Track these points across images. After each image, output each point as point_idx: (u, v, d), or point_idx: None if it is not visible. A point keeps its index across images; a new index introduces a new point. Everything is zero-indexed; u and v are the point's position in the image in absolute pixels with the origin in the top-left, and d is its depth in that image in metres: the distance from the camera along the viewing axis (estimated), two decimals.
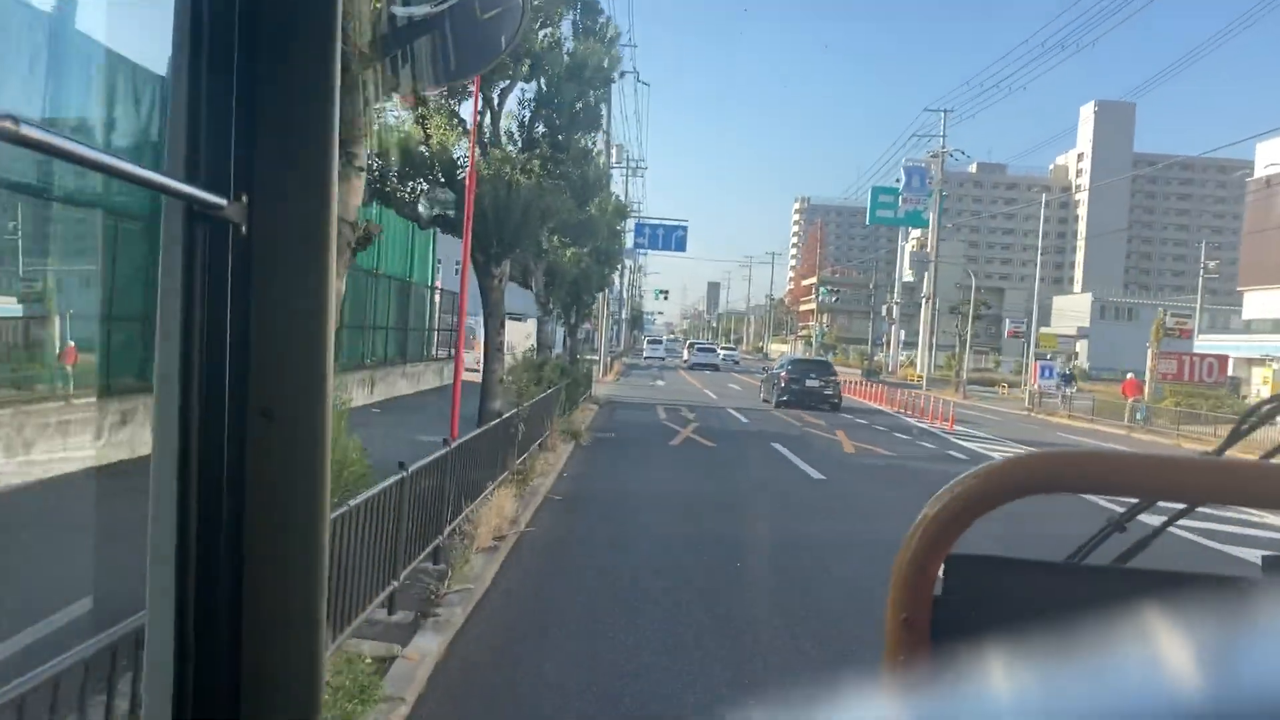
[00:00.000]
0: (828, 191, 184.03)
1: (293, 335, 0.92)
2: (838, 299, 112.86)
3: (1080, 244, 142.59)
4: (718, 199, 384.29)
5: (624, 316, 77.32)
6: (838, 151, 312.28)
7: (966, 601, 0.81)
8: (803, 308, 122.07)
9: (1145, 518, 1.08)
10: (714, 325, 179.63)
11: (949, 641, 0.80)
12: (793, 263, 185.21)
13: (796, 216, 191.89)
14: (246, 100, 0.90)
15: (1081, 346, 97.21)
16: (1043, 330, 56.08)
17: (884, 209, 72.81)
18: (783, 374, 29.18)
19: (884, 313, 68.77)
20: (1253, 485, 0.77)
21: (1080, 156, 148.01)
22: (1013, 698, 0.30)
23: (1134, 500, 1.03)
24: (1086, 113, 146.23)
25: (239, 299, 0.91)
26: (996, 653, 0.35)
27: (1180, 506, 1.08)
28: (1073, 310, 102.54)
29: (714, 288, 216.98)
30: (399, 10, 1.24)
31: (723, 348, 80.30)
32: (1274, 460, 0.89)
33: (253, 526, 0.92)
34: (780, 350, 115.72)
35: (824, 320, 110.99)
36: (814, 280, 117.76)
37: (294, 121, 0.92)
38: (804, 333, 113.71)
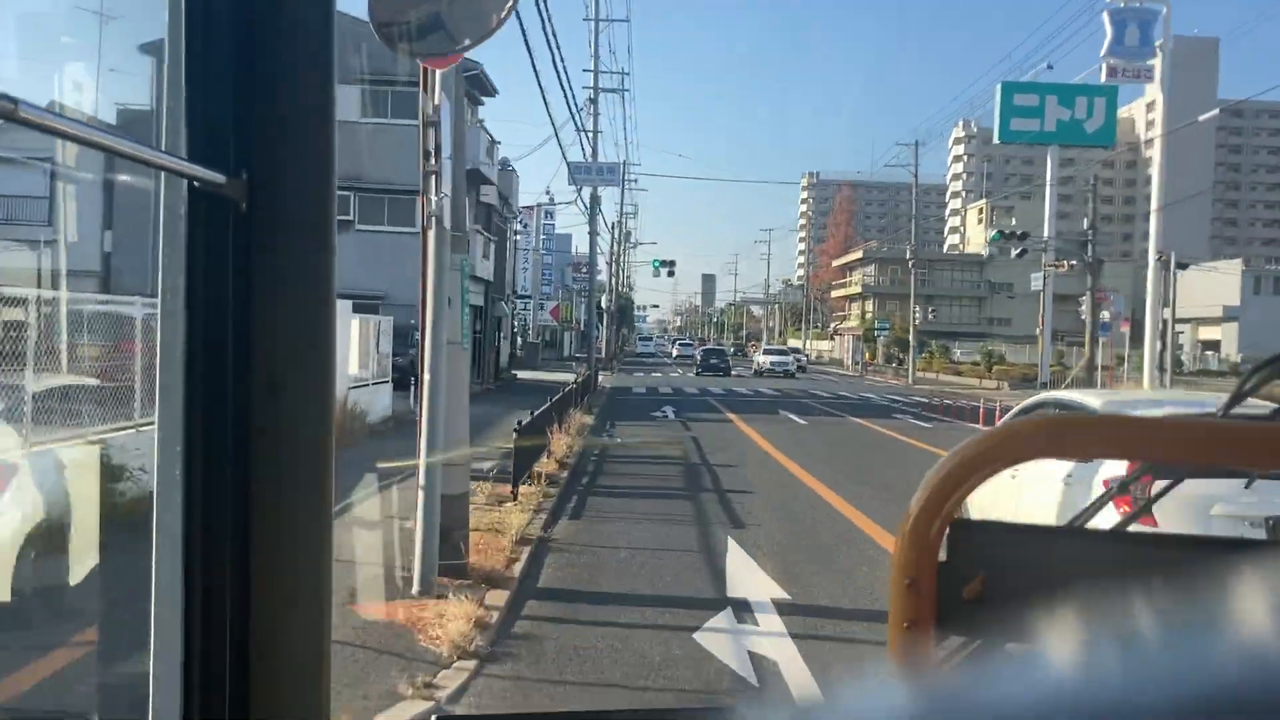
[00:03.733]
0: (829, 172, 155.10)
1: (295, 311, 0.91)
2: (892, 282, 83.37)
3: (1154, 205, 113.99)
4: (711, 186, 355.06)
5: (606, 306, 47.49)
6: (840, 134, 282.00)
7: (971, 566, 0.80)
8: (835, 293, 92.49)
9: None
10: (715, 320, 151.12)
11: (954, 607, 0.79)
12: (801, 246, 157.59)
13: (804, 194, 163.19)
14: (246, 77, 0.88)
15: (1226, 331, 68.53)
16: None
17: (1023, 117, 43.35)
18: (698, 357, 47.89)
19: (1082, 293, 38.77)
20: (1256, 447, 0.76)
21: (1150, 105, 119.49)
22: (1018, 661, 0.30)
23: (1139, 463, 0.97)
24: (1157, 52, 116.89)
25: (240, 275, 0.89)
26: (1001, 617, 0.33)
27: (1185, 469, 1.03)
28: (1207, 284, 71.15)
29: (709, 280, 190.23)
30: None
31: (781, 351, 52.04)
32: (1278, 422, 0.83)
33: (259, 502, 0.90)
34: (819, 348, 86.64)
35: (870, 306, 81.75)
36: (850, 259, 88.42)
37: (294, 98, 0.90)
38: (847, 323, 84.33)
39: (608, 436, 16.93)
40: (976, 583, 0.79)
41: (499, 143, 28.41)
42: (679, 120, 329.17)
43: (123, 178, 20.04)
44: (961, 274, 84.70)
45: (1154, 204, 42.68)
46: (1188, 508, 5.36)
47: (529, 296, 46.66)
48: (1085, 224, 31.12)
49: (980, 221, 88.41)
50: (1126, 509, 6.57)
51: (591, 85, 30.10)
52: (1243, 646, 0.27)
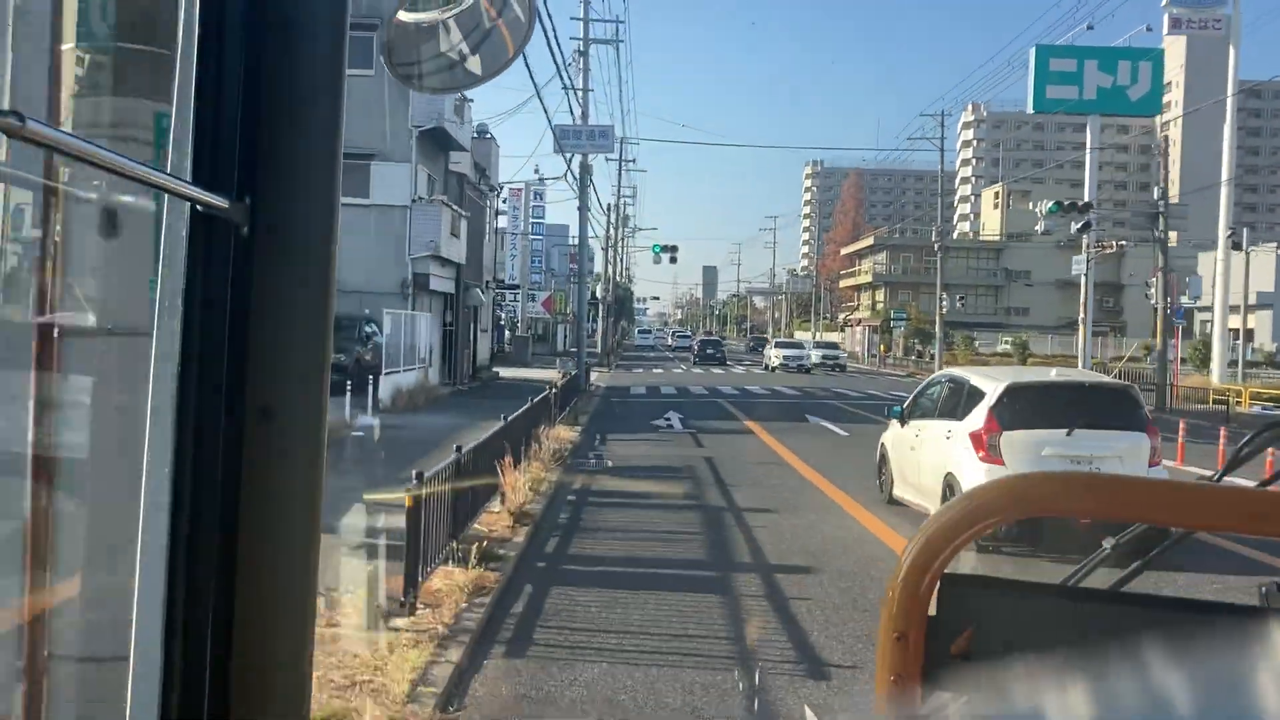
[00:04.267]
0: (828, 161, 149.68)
1: (292, 336, 0.90)
2: (904, 270, 79.43)
3: (1225, 174, 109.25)
4: (708, 176, 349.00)
5: (601, 296, 43.32)
6: (844, 122, 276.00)
7: (961, 621, 0.80)
8: (844, 283, 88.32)
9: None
10: (718, 312, 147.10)
11: (942, 662, 0.79)
12: (806, 236, 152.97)
13: (808, 183, 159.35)
14: (251, 101, 0.88)
15: (1262, 320, 64.42)
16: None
17: (1060, 84, 39.00)
18: (695, 346, 49.98)
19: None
20: (1249, 512, 0.76)
21: (1166, 86, 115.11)
22: (1005, 718, 0.27)
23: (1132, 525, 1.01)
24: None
25: (238, 301, 0.89)
26: (990, 673, 0.35)
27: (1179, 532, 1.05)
28: (1239, 271, 66.83)
29: (710, 271, 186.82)
30: (405, 15, 1.17)
31: (794, 344, 47.70)
32: (1271, 488, 0.84)
33: (247, 525, 0.89)
34: (829, 340, 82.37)
35: (881, 296, 77.51)
36: (860, 246, 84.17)
37: (299, 123, 0.90)
38: (858, 314, 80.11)
39: (595, 461, 12.60)
40: (964, 638, 0.79)
41: (471, 100, 24.09)
42: (677, 109, 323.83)
43: None
44: (977, 261, 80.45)
45: (1224, 172, 38.45)
46: (1025, 449, 7.57)
47: (517, 286, 42.28)
48: (1155, 194, 26.65)
49: (996, 206, 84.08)
50: (983, 454, 7.34)
51: (580, 36, 25.67)
52: (1230, 708, 0.26)
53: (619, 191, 48.00)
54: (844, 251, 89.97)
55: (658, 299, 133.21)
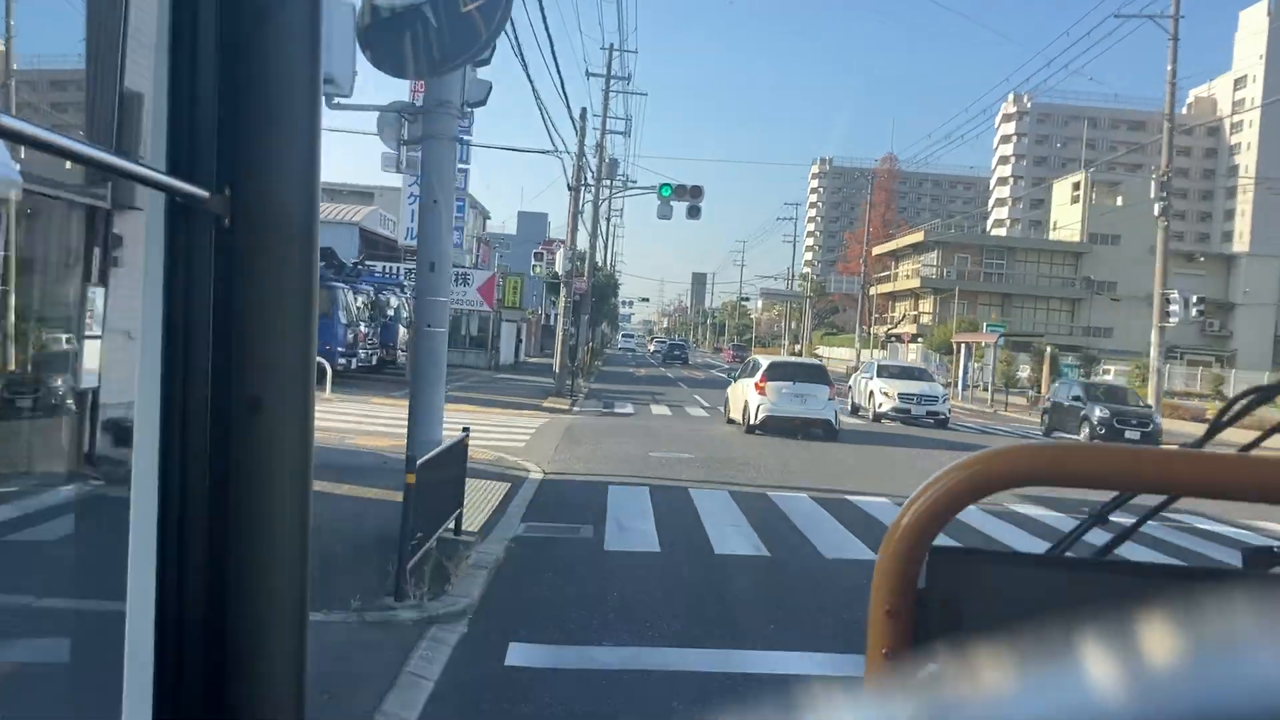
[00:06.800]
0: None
1: (277, 327, 0.89)
2: (960, 274, 61.57)
3: (1248, 195, 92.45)
4: (704, 172, 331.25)
5: (563, 276, 24.75)
6: (850, 121, 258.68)
7: (950, 594, 0.80)
8: (880, 288, 70.29)
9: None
10: (712, 320, 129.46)
11: (933, 634, 0.79)
12: (810, 241, 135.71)
13: (814, 183, 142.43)
14: (230, 91, 0.86)
15: None
16: None
17: None
18: (662, 353, 64.02)
19: None
20: (1232, 477, 0.77)
21: (1240, 81, 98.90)
22: (997, 691, 0.29)
23: (1115, 493, 1.02)
24: (1249, 21, 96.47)
25: (222, 291, 0.87)
26: (980, 646, 0.37)
27: (1161, 499, 1.07)
28: None
29: (699, 279, 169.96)
30: (382, 1, 1.10)
31: (918, 373, 29.00)
32: (1253, 453, 0.85)
33: (237, 518, 0.87)
34: (867, 355, 64.35)
35: (929, 305, 59.90)
36: (904, 243, 66.51)
37: (276, 111, 0.88)
38: (902, 327, 62.42)
39: None
40: (954, 611, 0.78)
41: None
42: (677, 92, 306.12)
43: None
44: (1050, 268, 62.75)
45: None
46: (775, 390, 17.12)
47: (414, 250, 24.60)
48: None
49: (1075, 200, 66.20)
50: (757, 391, 17.73)
51: None
52: (1219, 677, 0.27)
53: (604, 122, 29.85)
54: (877, 251, 71.93)
55: (647, 300, 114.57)
